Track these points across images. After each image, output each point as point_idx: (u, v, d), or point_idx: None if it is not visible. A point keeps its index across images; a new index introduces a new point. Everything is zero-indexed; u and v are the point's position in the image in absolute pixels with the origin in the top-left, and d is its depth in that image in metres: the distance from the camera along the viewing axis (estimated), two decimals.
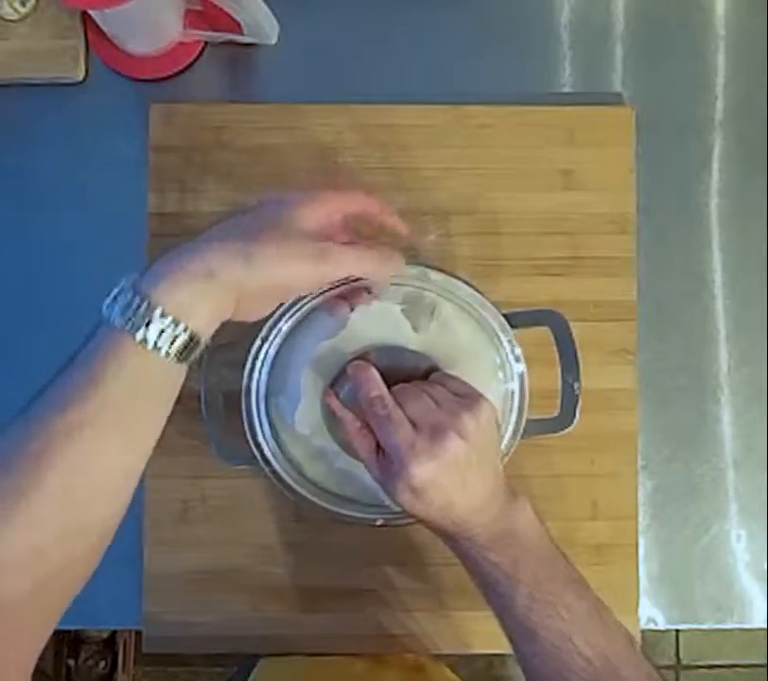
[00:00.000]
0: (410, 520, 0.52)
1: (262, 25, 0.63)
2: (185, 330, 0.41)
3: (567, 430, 0.57)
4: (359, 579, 0.62)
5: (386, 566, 0.63)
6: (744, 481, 0.65)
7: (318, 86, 0.67)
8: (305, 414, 0.54)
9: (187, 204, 0.64)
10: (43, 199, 0.66)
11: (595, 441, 0.63)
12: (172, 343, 0.41)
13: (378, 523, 0.55)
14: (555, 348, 0.57)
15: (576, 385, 0.57)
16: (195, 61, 0.66)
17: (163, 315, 0.40)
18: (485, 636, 0.62)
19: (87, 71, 0.66)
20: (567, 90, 0.68)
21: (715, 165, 0.67)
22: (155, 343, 0.40)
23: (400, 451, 0.46)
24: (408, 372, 0.52)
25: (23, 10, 0.64)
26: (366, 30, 0.68)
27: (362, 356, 0.53)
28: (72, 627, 0.89)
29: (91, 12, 0.61)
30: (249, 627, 0.62)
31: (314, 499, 0.55)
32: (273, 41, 0.66)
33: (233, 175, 0.64)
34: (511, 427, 0.55)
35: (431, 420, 0.47)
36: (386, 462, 0.48)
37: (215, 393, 0.57)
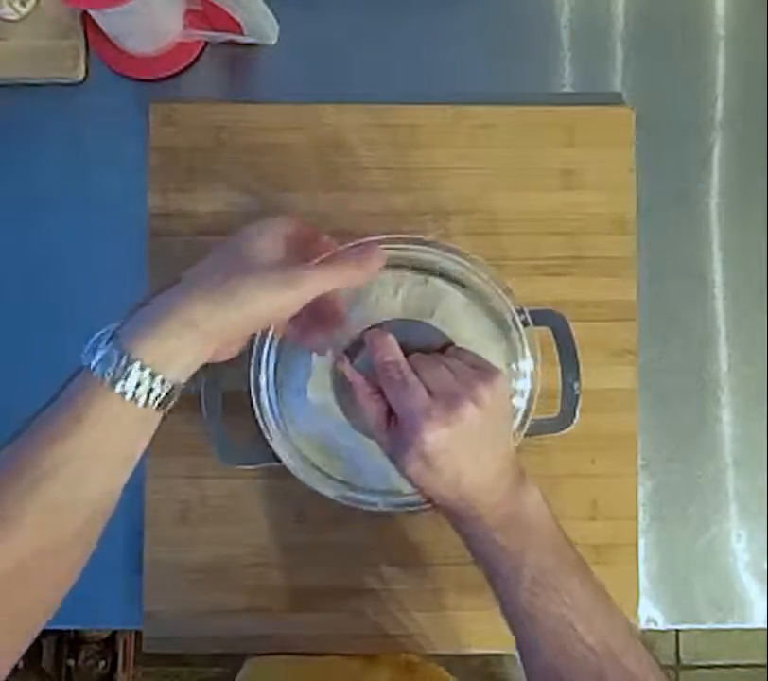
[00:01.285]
0: (414, 506, 0.53)
1: (262, 25, 0.63)
2: (163, 382, 0.43)
3: (566, 430, 0.57)
4: (359, 579, 0.62)
5: (385, 566, 0.63)
6: (744, 481, 0.65)
7: (318, 86, 0.67)
8: (317, 390, 0.54)
9: (187, 204, 0.64)
10: (43, 199, 0.66)
11: (595, 441, 0.63)
12: (149, 395, 0.42)
13: (379, 508, 0.54)
14: (555, 348, 0.57)
15: (576, 385, 0.57)
16: (195, 61, 0.66)
17: (141, 368, 0.42)
18: (483, 636, 0.62)
19: (87, 71, 0.66)
20: (567, 90, 0.68)
21: (715, 165, 0.67)
22: (134, 395, 0.42)
23: (414, 417, 0.45)
24: (423, 346, 0.52)
25: (23, 10, 0.64)
26: (366, 30, 0.68)
27: (378, 326, 0.53)
28: (72, 627, 0.89)
29: (91, 12, 0.61)
30: (249, 627, 0.62)
31: (320, 488, 0.55)
32: (273, 41, 0.66)
33: (233, 175, 0.64)
34: (516, 424, 0.55)
35: (447, 388, 0.46)
36: (396, 431, 0.47)
37: (215, 393, 0.57)
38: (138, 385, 0.42)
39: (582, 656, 0.45)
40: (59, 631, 1.13)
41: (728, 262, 0.67)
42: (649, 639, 1.39)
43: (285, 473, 0.55)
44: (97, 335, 0.44)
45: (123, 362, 0.42)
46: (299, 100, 0.65)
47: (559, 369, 0.57)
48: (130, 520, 0.62)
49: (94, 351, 0.43)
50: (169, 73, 0.66)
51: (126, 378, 0.42)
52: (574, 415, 0.57)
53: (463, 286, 0.56)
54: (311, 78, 0.67)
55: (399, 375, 0.47)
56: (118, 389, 0.42)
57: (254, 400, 0.55)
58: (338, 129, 0.65)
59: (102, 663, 1.27)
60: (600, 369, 0.62)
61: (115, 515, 0.62)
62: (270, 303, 0.44)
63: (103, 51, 0.65)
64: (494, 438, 0.48)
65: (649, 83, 0.68)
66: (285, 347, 0.55)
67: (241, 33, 0.64)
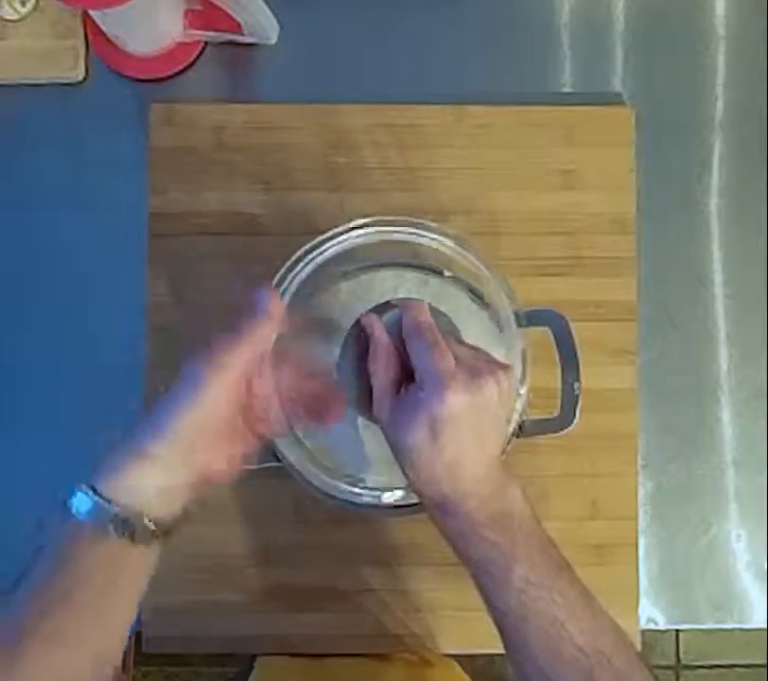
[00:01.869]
0: (411, 507, 0.52)
1: (262, 25, 0.63)
2: (150, 520, 0.43)
3: (566, 430, 0.57)
4: (359, 579, 0.62)
5: (384, 566, 0.63)
6: (744, 481, 0.65)
7: (318, 86, 0.67)
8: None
9: (187, 204, 0.64)
10: (43, 199, 0.66)
11: (595, 441, 0.63)
12: (134, 534, 0.43)
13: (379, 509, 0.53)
14: (555, 348, 0.57)
15: (576, 385, 0.57)
16: (195, 61, 0.66)
17: (125, 511, 0.43)
18: (484, 636, 0.62)
19: (87, 71, 0.66)
20: (567, 90, 0.68)
21: (715, 166, 0.67)
22: (122, 534, 0.42)
23: (440, 377, 0.45)
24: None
25: (23, 10, 0.64)
26: (366, 30, 0.68)
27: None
28: None
29: (91, 12, 0.61)
30: (249, 627, 0.62)
31: (323, 487, 0.55)
32: (273, 41, 0.66)
33: (233, 175, 0.64)
34: (513, 426, 0.55)
35: (471, 362, 0.47)
36: (406, 398, 0.46)
37: None
38: (124, 524, 0.43)
39: (572, 658, 0.44)
40: None
41: (728, 262, 0.67)
42: (649, 639, 1.40)
43: (285, 473, 0.55)
44: (81, 484, 0.45)
45: (103, 507, 0.43)
46: (299, 100, 0.65)
47: (559, 369, 0.57)
48: None
49: (74, 496, 0.44)
50: (169, 73, 0.66)
51: (111, 522, 0.42)
52: (574, 415, 0.57)
53: (464, 286, 0.56)
54: (311, 78, 0.67)
55: (432, 336, 0.47)
56: (107, 531, 0.42)
57: None
58: (338, 129, 0.65)
59: None
60: (600, 369, 0.62)
61: None
62: (203, 393, 0.44)
63: (103, 51, 0.65)
64: (498, 427, 0.48)
65: (649, 83, 0.68)
66: None
67: (241, 33, 0.64)
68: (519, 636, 0.45)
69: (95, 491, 0.43)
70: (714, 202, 0.67)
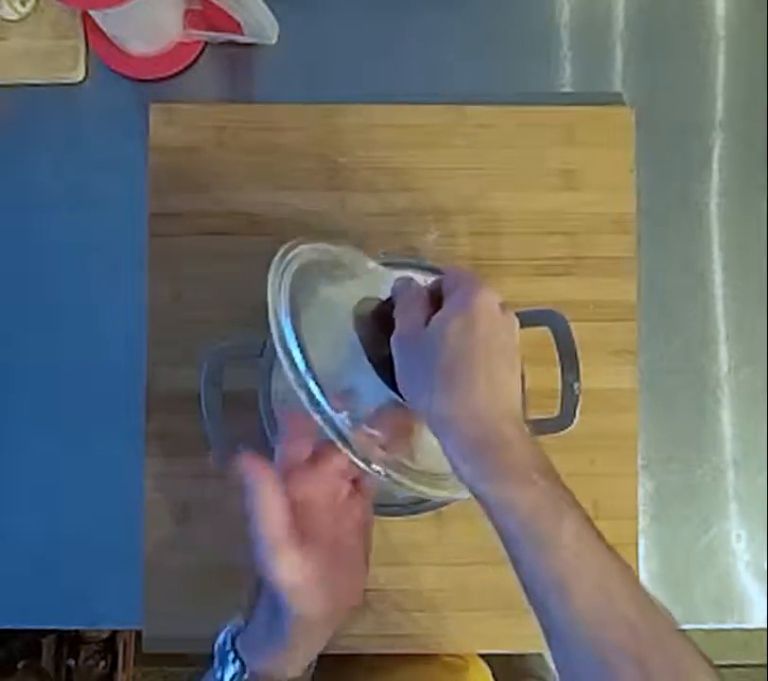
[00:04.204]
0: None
1: (262, 24, 0.63)
2: None
3: (566, 430, 0.57)
4: None
5: (386, 566, 0.63)
6: (744, 481, 0.65)
7: (318, 86, 0.67)
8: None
9: (187, 204, 0.64)
10: (43, 199, 0.66)
11: (595, 441, 0.63)
12: None
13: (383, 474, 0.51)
14: (555, 348, 0.57)
15: (576, 385, 0.57)
16: (195, 61, 0.66)
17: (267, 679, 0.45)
18: (485, 636, 0.62)
19: (87, 71, 0.66)
20: (567, 90, 0.68)
21: (715, 166, 0.67)
22: None
23: (474, 279, 0.44)
24: None
25: (23, 10, 0.64)
26: (366, 30, 0.68)
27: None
28: (72, 627, 0.89)
29: (91, 12, 0.61)
30: None
31: None
32: (273, 41, 0.66)
33: (233, 175, 0.64)
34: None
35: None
36: (427, 328, 0.43)
37: (215, 394, 0.57)
38: None
39: (623, 639, 0.37)
40: (59, 631, 1.13)
41: (728, 262, 0.67)
42: None
43: None
44: (222, 639, 0.48)
45: (251, 679, 0.45)
46: (299, 100, 0.65)
47: (559, 369, 0.57)
48: (129, 520, 0.62)
49: (223, 661, 0.46)
50: (169, 73, 0.66)
51: None
52: (574, 415, 0.57)
53: None
54: (311, 78, 0.67)
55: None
56: None
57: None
58: (338, 129, 0.65)
59: (102, 663, 1.27)
60: (600, 369, 0.62)
61: (115, 515, 0.63)
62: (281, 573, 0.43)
63: (103, 51, 0.65)
64: (516, 358, 0.45)
65: (649, 83, 0.68)
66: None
67: (241, 33, 0.64)
68: (563, 612, 0.38)
69: (244, 666, 0.46)
70: (714, 202, 0.67)
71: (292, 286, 0.47)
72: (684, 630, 0.38)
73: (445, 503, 0.58)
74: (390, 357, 0.46)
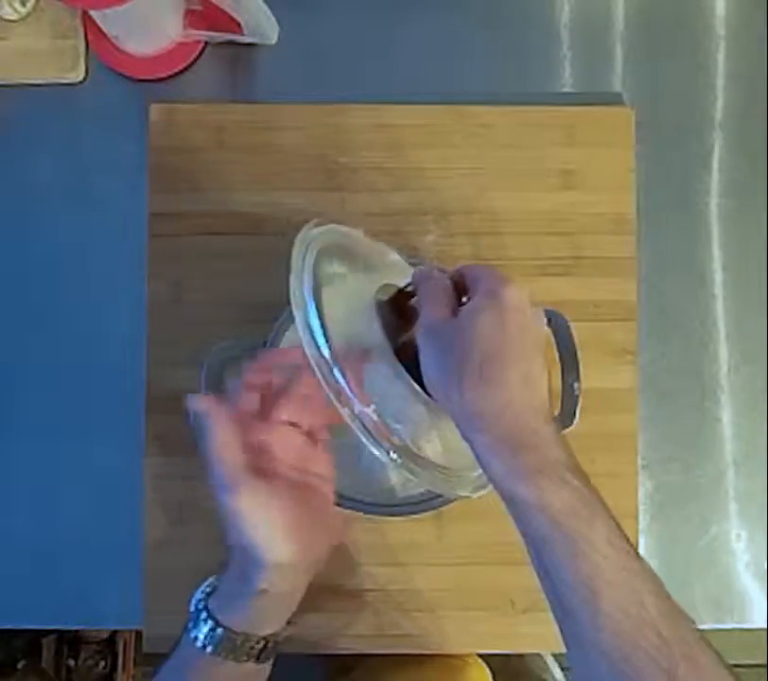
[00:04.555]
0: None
1: (262, 25, 0.63)
2: (272, 642, 0.48)
3: (567, 430, 0.57)
4: (359, 579, 0.62)
5: (386, 566, 0.63)
6: (744, 482, 0.65)
7: (318, 86, 0.67)
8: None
9: (187, 204, 0.64)
10: (43, 199, 0.65)
11: (595, 441, 0.63)
12: (259, 656, 0.47)
13: (394, 458, 0.49)
14: (555, 348, 0.57)
15: (576, 385, 0.57)
16: (195, 61, 0.66)
17: (250, 640, 0.47)
18: (485, 636, 0.62)
19: (87, 71, 0.66)
20: (567, 90, 0.68)
21: (715, 166, 0.67)
22: (247, 660, 0.47)
23: (498, 273, 0.43)
24: None
25: (23, 10, 0.64)
26: (366, 30, 0.68)
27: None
28: (72, 627, 0.89)
29: (91, 12, 0.61)
30: None
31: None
32: (273, 41, 0.66)
33: (233, 175, 0.64)
34: None
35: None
36: (456, 316, 0.42)
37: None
38: (242, 648, 0.46)
39: (651, 647, 0.35)
40: (59, 631, 1.13)
41: (728, 262, 0.67)
42: None
43: None
44: (195, 600, 0.49)
45: (221, 634, 0.46)
46: (299, 100, 0.65)
47: (559, 369, 0.57)
48: (129, 520, 0.62)
49: (195, 625, 0.47)
50: (169, 73, 0.66)
51: (233, 650, 0.46)
52: (574, 415, 0.57)
53: None
54: (311, 78, 0.67)
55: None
56: (224, 655, 0.46)
57: None
58: (338, 129, 0.65)
59: (102, 663, 1.27)
60: (600, 369, 0.62)
61: (115, 515, 0.63)
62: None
63: (103, 51, 0.65)
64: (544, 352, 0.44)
65: (649, 83, 0.68)
66: None
67: (241, 33, 0.64)
68: (590, 619, 0.37)
69: (218, 623, 0.46)
70: (714, 202, 0.67)
71: (315, 261, 0.46)
72: (709, 641, 0.38)
73: (445, 503, 0.58)
74: (404, 345, 0.45)
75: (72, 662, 1.26)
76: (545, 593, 0.39)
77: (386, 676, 0.66)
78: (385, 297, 0.49)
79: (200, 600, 0.48)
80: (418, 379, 0.44)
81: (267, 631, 0.47)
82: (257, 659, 0.47)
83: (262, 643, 0.47)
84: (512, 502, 0.39)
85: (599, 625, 0.36)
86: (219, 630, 0.46)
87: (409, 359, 0.45)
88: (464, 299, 0.44)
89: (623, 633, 0.36)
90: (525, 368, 0.41)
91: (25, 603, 0.63)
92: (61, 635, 1.20)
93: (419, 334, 0.43)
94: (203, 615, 0.47)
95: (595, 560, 0.37)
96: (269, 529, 0.45)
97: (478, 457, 0.41)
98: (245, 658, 0.47)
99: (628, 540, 0.39)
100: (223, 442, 0.45)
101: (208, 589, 0.49)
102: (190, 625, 0.48)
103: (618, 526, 0.39)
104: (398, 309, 0.48)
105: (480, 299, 0.42)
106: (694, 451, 0.66)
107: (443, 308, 0.43)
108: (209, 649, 0.46)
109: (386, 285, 0.50)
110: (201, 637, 0.46)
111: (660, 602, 0.37)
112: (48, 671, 1.18)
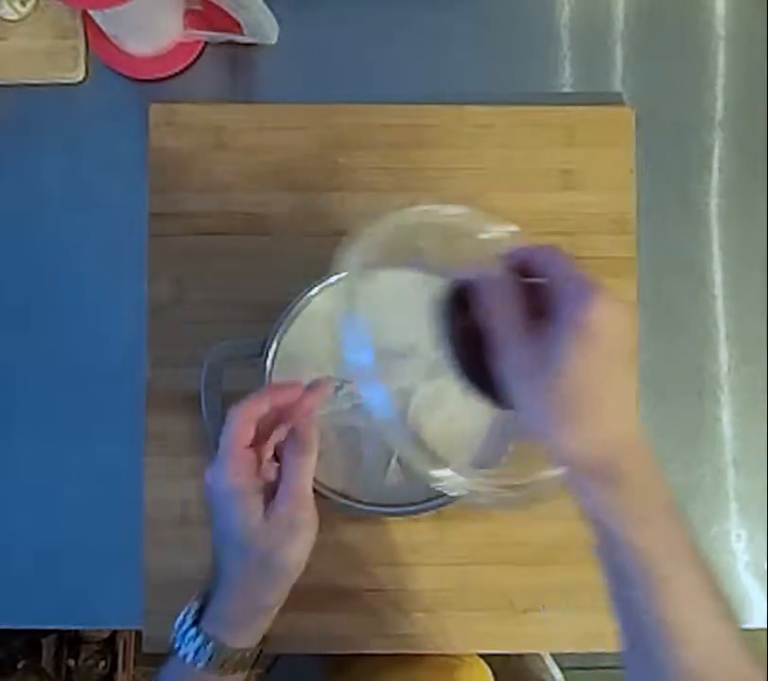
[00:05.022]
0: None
1: (262, 25, 0.63)
2: (252, 653, 0.49)
3: None
4: (359, 579, 0.62)
5: (386, 566, 0.63)
6: (744, 482, 0.65)
7: (318, 86, 0.67)
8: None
9: (187, 204, 0.64)
10: (43, 199, 0.65)
11: None
12: (245, 668, 0.50)
13: (393, 463, 0.49)
14: None
15: None
16: (195, 61, 0.66)
17: (239, 655, 0.49)
18: (485, 636, 0.62)
19: (87, 71, 0.66)
20: (567, 90, 0.68)
21: (715, 166, 0.67)
22: (235, 672, 0.49)
23: (588, 282, 0.39)
24: None
25: (23, 10, 0.64)
26: (366, 30, 0.68)
27: None
28: (72, 627, 0.89)
29: (91, 12, 0.61)
30: None
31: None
32: (273, 41, 0.66)
33: (233, 175, 0.64)
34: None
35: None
36: (539, 333, 0.38)
37: (215, 394, 0.57)
38: (240, 661, 0.49)
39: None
40: (59, 631, 1.13)
41: (728, 262, 0.67)
42: None
43: None
44: (181, 620, 0.50)
45: (212, 649, 0.48)
46: (299, 100, 0.65)
47: None
48: (129, 520, 0.62)
49: (184, 639, 0.48)
50: (169, 73, 0.66)
51: (222, 665, 0.48)
52: None
53: None
54: (311, 78, 0.67)
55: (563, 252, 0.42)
56: (217, 670, 0.48)
57: None
58: (338, 129, 0.65)
59: (102, 663, 1.27)
60: None
61: (115, 515, 0.63)
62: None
63: (103, 51, 0.65)
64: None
65: (649, 83, 0.68)
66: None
67: (241, 33, 0.64)
68: (674, 656, 0.37)
69: (208, 639, 0.48)
70: (714, 202, 0.67)
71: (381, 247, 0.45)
72: None
73: (445, 503, 0.58)
74: (459, 345, 0.43)
75: (72, 662, 1.26)
76: (619, 624, 0.40)
77: (382, 675, 0.66)
78: (440, 297, 0.46)
79: (182, 621, 0.50)
80: (472, 369, 0.42)
81: (255, 642, 0.50)
82: (243, 669, 0.49)
83: (255, 654, 0.50)
84: (606, 537, 0.40)
85: (683, 669, 0.37)
86: (212, 644, 0.48)
87: (463, 347, 0.43)
88: (548, 303, 0.40)
89: (708, 678, 0.37)
90: (615, 397, 0.38)
91: (25, 603, 0.63)
92: (61, 635, 1.20)
93: (498, 366, 0.40)
94: (192, 632, 0.48)
95: (677, 604, 0.38)
96: (307, 548, 0.49)
97: (569, 488, 0.40)
98: (231, 671, 0.48)
99: (709, 580, 0.39)
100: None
101: (195, 606, 0.50)
102: (176, 647, 0.49)
103: (702, 567, 0.40)
104: (457, 303, 0.45)
105: (567, 329, 0.37)
106: (694, 451, 0.66)
107: (512, 322, 0.39)
108: (200, 664, 0.47)
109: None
110: (191, 652, 0.48)
111: (740, 646, 0.37)
112: (48, 671, 1.18)
